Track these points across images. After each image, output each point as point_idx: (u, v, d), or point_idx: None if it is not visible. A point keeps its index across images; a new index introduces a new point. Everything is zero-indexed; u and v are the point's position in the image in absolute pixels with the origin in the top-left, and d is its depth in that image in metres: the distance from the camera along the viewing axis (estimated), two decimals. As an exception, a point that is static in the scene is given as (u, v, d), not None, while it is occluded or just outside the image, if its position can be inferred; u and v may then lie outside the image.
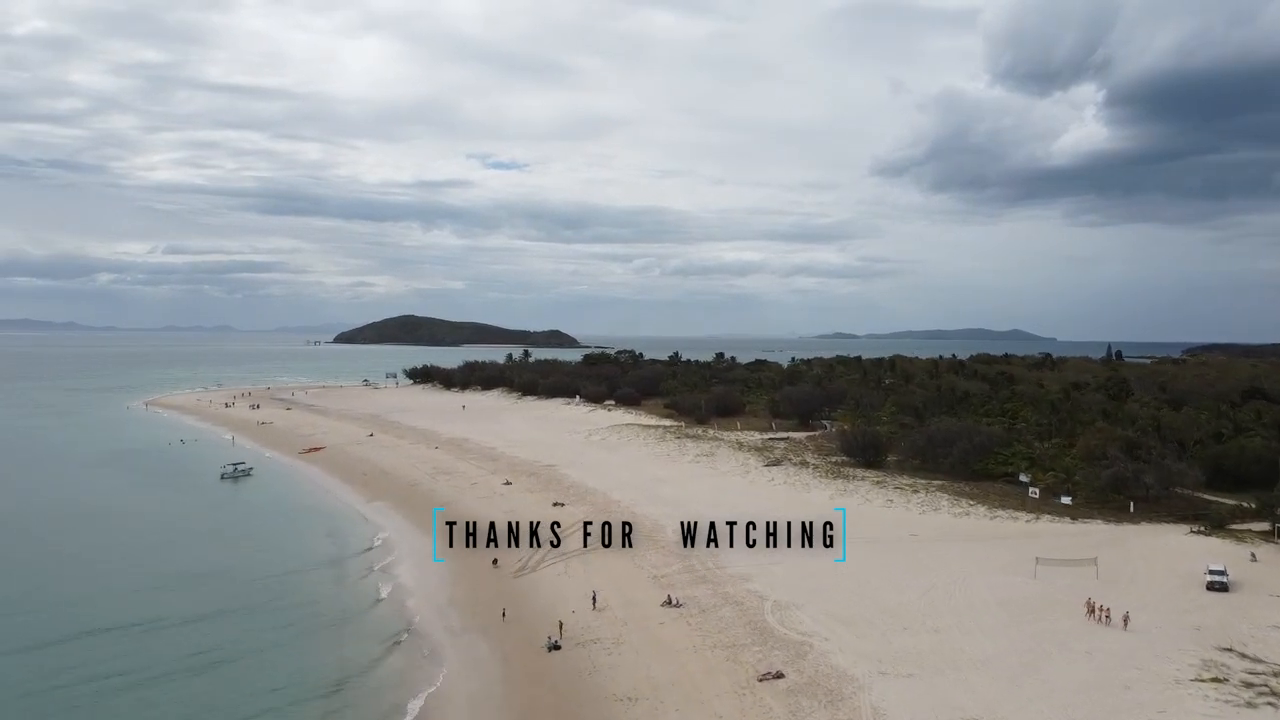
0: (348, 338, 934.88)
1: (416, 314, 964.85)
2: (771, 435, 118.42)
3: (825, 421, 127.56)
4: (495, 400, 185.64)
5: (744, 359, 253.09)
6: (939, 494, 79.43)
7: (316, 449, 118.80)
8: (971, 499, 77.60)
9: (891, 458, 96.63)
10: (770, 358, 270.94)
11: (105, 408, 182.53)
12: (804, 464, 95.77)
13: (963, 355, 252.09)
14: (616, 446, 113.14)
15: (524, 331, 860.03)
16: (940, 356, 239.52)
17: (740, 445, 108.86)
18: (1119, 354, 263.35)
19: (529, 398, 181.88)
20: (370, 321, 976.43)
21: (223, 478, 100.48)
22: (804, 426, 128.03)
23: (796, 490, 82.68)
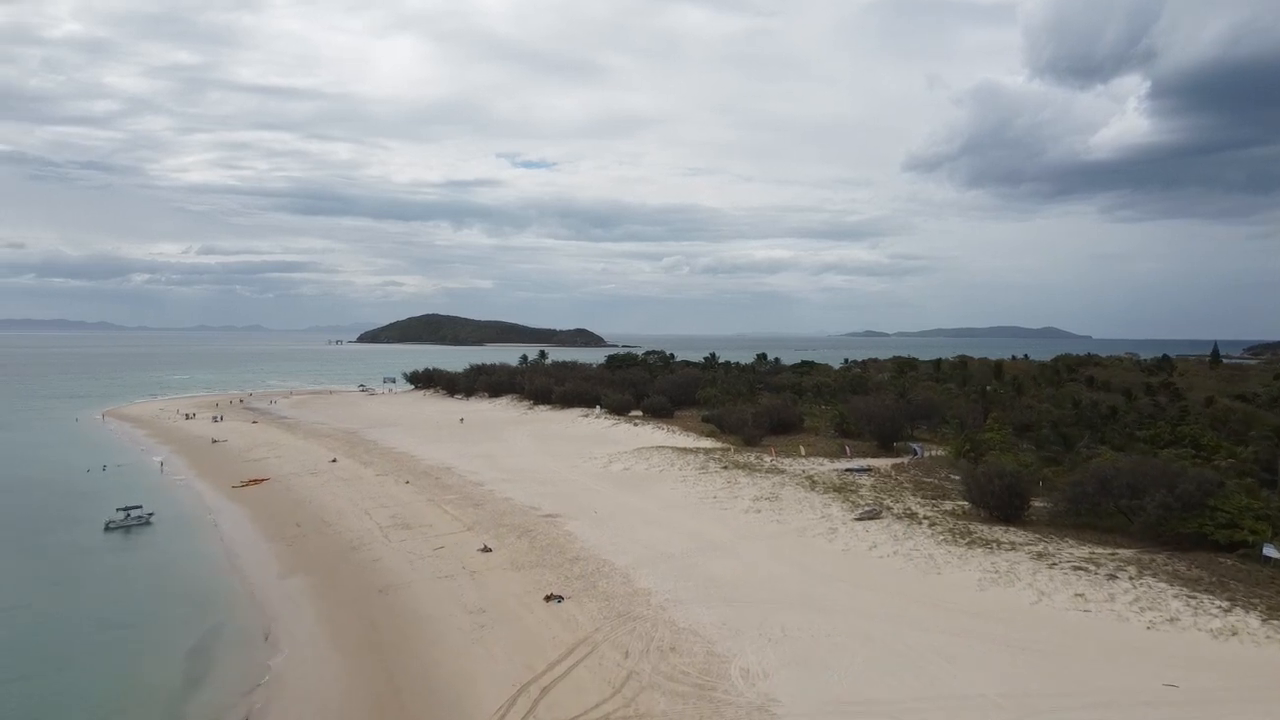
0: (370, 337, 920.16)
1: (443, 313, 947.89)
2: (847, 465, 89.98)
3: (914, 445, 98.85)
4: (502, 410, 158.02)
5: (778, 359, 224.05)
6: (1152, 581, 50.33)
7: (257, 481, 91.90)
8: (1212, 591, 48.55)
9: (1038, 502, 67.97)
10: (805, 357, 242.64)
11: (51, 420, 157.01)
12: (910, 516, 67.17)
13: (994, 354, 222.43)
14: (644, 481, 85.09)
15: (550, 330, 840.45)
16: (1018, 356, 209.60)
17: (812, 481, 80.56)
18: (1217, 354, 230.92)
19: (541, 407, 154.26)
20: (395, 320, 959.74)
21: (109, 529, 73.84)
22: (884, 450, 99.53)
23: (921, 570, 54.13)
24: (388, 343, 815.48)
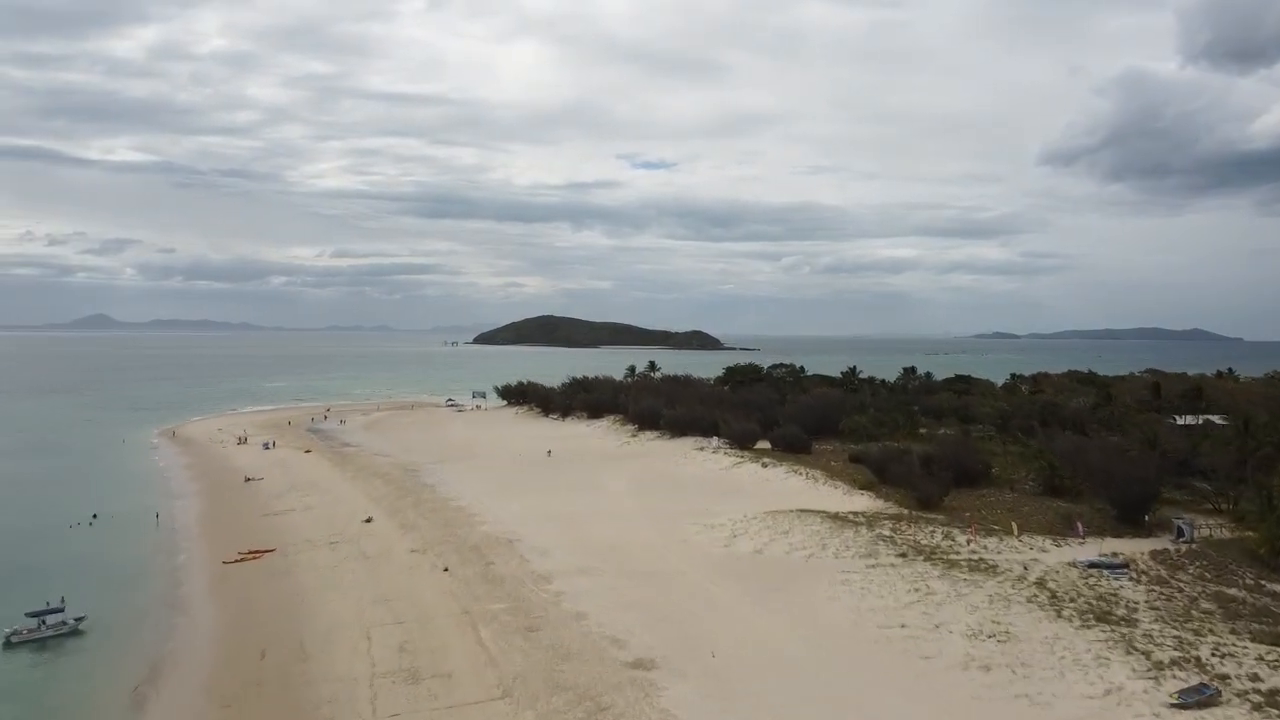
0: (487, 338, 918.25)
1: (562, 314, 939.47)
2: (1086, 555, 60.29)
3: (1180, 521, 67.61)
4: (600, 437, 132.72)
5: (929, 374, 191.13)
6: None
7: (256, 555, 68.79)
8: None
9: None
10: (937, 361, 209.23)
11: (98, 440, 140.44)
12: (1275, 703, 37.58)
13: (1138, 357, 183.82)
14: (786, 578, 57.55)
15: (666, 332, 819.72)
16: (1223, 371, 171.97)
17: (1052, 596, 51.62)
18: None
19: (647, 434, 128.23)
20: (513, 321, 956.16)
21: (10, 643, 51.50)
22: (1125, 524, 69.09)
23: None
24: (503, 344, 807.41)
